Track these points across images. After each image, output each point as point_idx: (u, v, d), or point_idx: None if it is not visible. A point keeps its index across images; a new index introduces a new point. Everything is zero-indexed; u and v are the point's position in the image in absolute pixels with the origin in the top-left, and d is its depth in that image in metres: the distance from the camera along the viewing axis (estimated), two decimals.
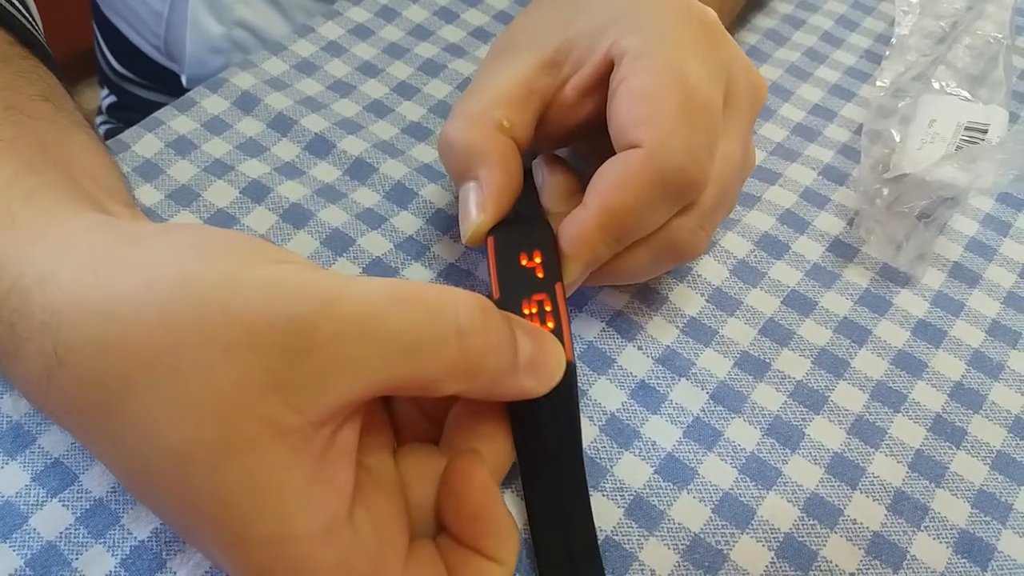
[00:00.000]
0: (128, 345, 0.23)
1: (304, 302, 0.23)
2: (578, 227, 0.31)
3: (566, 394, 0.29)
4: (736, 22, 0.50)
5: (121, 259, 0.24)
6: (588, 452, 0.33)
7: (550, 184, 0.35)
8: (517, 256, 0.32)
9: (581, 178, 0.34)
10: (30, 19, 0.37)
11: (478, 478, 0.27)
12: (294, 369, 0.22)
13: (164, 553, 0.29)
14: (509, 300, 0.31)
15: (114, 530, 0.30)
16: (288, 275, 0.23)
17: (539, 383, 0.28)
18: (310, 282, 0.23)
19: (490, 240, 0.32)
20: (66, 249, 0.25)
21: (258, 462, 0.22)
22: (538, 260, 0.31)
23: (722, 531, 0.31)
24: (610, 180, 0.31)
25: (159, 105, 0.43)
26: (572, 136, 0.36)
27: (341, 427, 0.24)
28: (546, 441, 0.30)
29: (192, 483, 0.23)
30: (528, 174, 0.35)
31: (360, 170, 0.41)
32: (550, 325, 0.30)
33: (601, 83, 0.33)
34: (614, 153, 0.31)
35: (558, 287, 0.31)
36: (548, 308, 0.30)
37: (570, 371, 0.29)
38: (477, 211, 0.32)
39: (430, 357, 0.24)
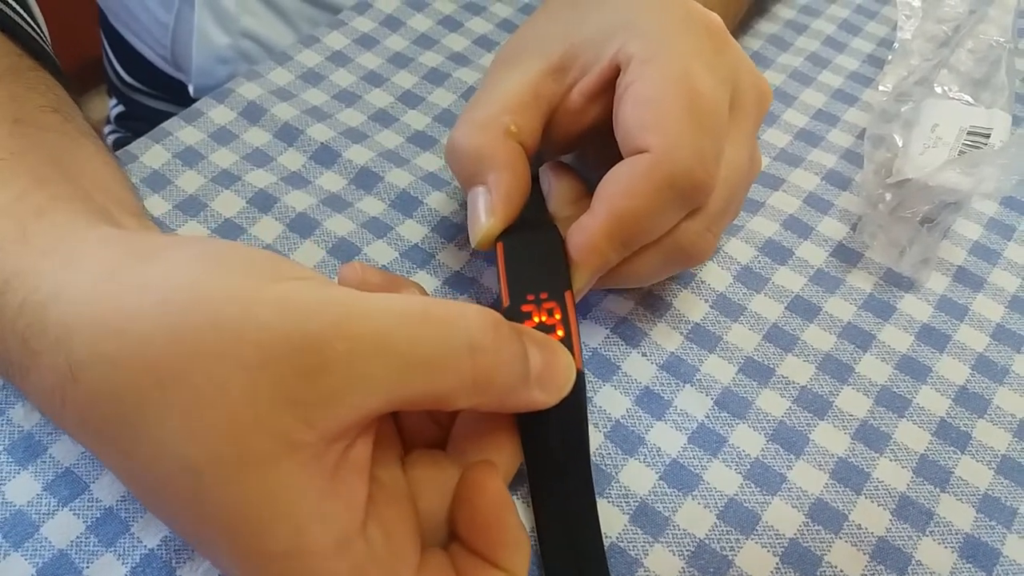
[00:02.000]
0: (142, 362, 0.23)
1: (317, 320, 0.23)
2: (586, 234, 0.31)
3: (575, 403, 0.29)
4: (739, 27, 0.50)
5: (134, 275, 0.25)
6: (593, 459, 0.33)
7: (557, 190, 0.35)
8: (526, 263, 0.32)
9: (587, 183, 0.34)
10: (37, 29, 0.38)
11: (492, 488, 0.28)
12: (308, 386, 0.23)
13: (174, 561, 0.30)
14: (518, 307, 0.31)
15: (124, 539, 0.30)
16: (302, 292, 0.24)
17: (549, 395, 0.28)
18: (323, 299, 0.24)
19: (499, 246, 0.32)
20: (78, 264, 0.26)
21: (272, 477, 0.23)
22: (547, 267, 0.32)
23: (727, 537, 0.31)
24: (618, 186, 0.31)
25: (167, 115, 0.44)
26: (579, 141, 0.36)
27: (354, 442, 0.24)
28: (555, 449, 0.30)
29: (206, 498, 0.23)
30: (535, 180, 0.36)
31: (366, 179, 0.41)
32: (559, 333, 0.30)
33: (607, 88, 0.33)
34: (621, 158, 0.32)
35: (567, 295, 0.31)
36: (557, 316, 0.30)
37: (579, 380, 0.29)
38: (487, 215, 0.32)
39: (443, 373, 0.24)
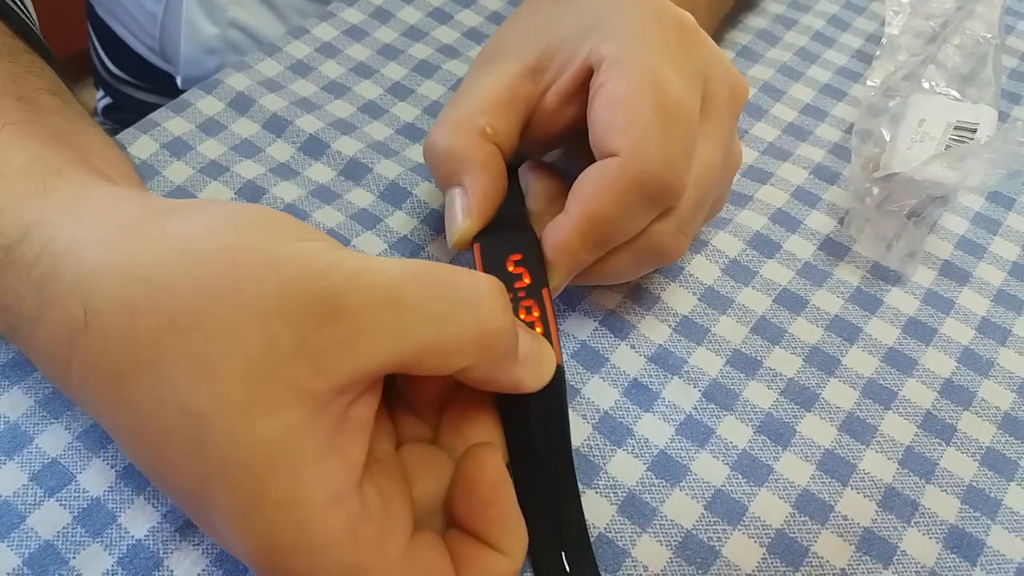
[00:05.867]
0: (161, 308, 0.23)
1: (334, 274, 0.24)
2: (560, 234, 0.31)
3: (555, 396, 0.29)
4: (726, 22, 0.50)
5: (157, 227, 0.25)
6: (581, 450, 0.33)
7: (535, 189, 0.35)
8: (503, 262, 0.32)
9: (566, 182, 0.34)
10: (27, 14, 0.37)
11: (492, 467, 0.28)
12: (322, 336, 0.23)
13: (161, 552, 0.30)
14: None
15: (111, 529, 0.30)
16: (320, 251, 0.24)
17: (532, 378, 0.28)
18: (340, 257, 0.24)
19: (476, 246, 0.33)
20: (99, 216, 0.26)
21: (277, 424, 0.23)
22: (524, 266, 0.32)
23: (714, 527, 0.32)
24: (589, 188, 0.31)
25: (154, 106, 0.43)
26: (557, 141, 0.36)
27: (357, 400, 0.25)
28: (536, 442, 0.31)
29: (208, 444, 0.23)
30: (514, 178, 0.36)
31: (354, 170, 0.41)
32: (538, 330, 0.30)
33: (582, 89, 0.33)
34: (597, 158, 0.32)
35: (544, 292, 0.31)
36: (536, 313, 0.31)
37: (559, 374, 0.29)
38: (463, 216, 0.33)
39: (451, 327, 0.25)
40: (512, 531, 0.28)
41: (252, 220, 0.26)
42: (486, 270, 0.32)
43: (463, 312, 0.25)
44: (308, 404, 0.23)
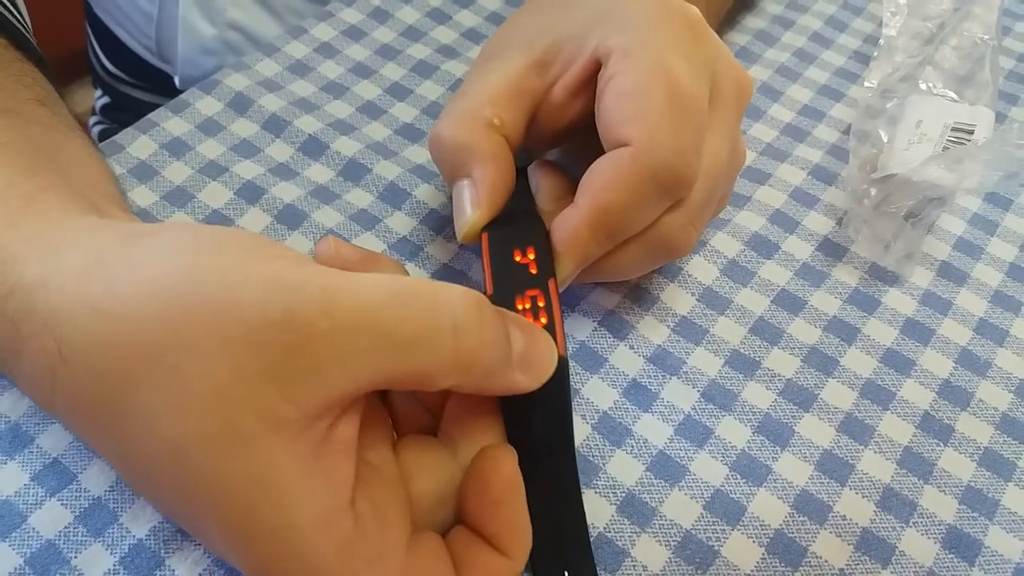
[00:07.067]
0: (128, 342, 0.23)
1: (300, 296, 0.23)
2: (570, 226, 0.31)
3: (558, 389, 0.29)
4: (725, 22, 0.50)
5: (120, 257, 0.25)
6: (581, 450, 0.33)
7: (543, 187, 0.35)
8: (511, 252, 0.32)
9: (573, 181, 0.35)
10: (20, 19, 0.37)
11: (508, 467, 0.28)
12: (290, 362, 0.23)
13: (162, 551, 0.30)
14: (503, 295, 0.31)
15: (113, 528, 0.30)
16: (285, 270, 0.24)
17: (531, 378, 0.28)
18: (307, 277, 0.24)
19: (484, 236, 0.32)
20: (67, 249, 0.26)
21: (256, 454, 0.23)
22: (531, 256, 0.32)
23: (713, 527, 0.32)
24: (600, 179, 0.31)
25: (153, 106, 0.43)
26: (563, 136, 0.36)
27: (339, 420, 0.25)
28: (539, 436, 0.30)
29: (192, 476, 0.23)
30: (523, 176, 0.36)
31: (353, 171, 0.41)
32: (543, 320, 0.30)
33: (589, 83, 0.33)
34: (604, 152, 0.32)
35: (551, 283, 0.31)
36: (541, 304, 0.31)
37: (562, 366, 0.29)
38: (472, 208, 0.32)
39: (426, 352, 0.24)
40: (518, 535, 0.28)
41: (214, 242, 0.25)
42: (494, 261, 0.32)
43: (438, 336, 0.25)
44: (284, 432, 0.23)
